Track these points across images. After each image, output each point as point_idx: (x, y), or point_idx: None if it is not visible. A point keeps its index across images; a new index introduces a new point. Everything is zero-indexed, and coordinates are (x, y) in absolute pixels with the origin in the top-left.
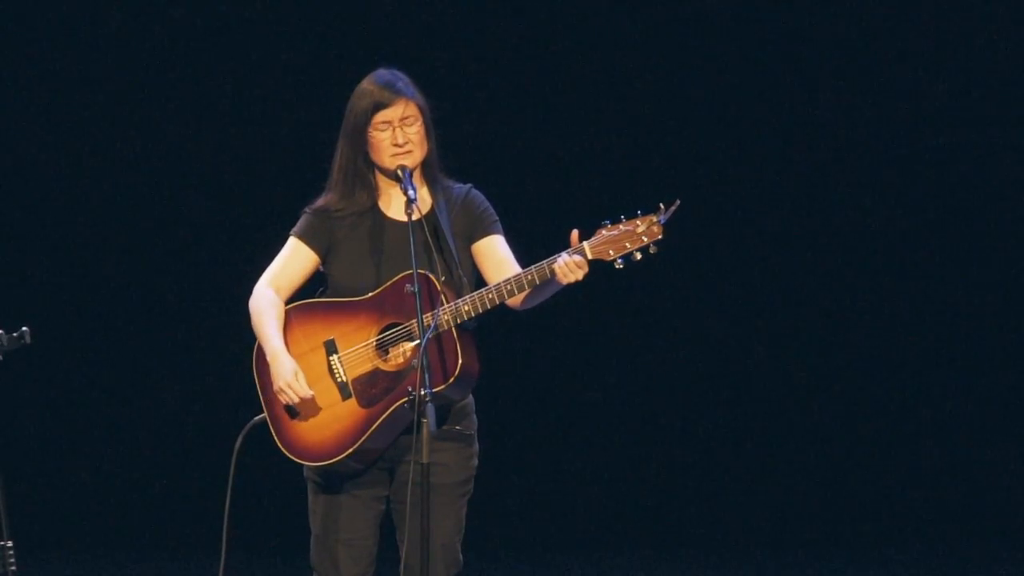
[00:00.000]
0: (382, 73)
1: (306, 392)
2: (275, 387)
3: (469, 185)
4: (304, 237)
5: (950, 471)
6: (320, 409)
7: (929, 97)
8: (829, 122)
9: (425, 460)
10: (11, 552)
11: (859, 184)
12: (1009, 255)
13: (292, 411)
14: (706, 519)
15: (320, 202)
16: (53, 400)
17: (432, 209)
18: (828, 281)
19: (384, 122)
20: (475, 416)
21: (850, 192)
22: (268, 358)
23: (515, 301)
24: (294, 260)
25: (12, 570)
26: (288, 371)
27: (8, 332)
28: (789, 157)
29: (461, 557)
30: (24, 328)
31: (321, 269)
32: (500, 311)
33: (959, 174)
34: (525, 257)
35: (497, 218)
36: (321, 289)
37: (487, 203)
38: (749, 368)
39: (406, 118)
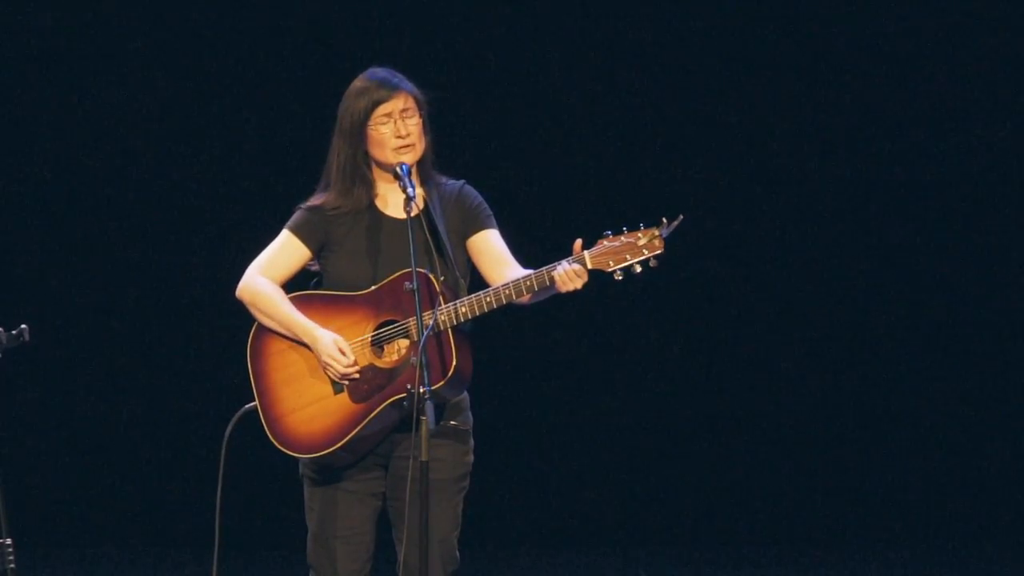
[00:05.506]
0: (377, 71)
1: (351, 360)
2: (320, 361)
3: (462, 181)
4: (298, 232)
5: (949, 471)
6: (311, 402)
7: (924, 100)
8: (830, 132)
9: (424, 458)
10: (11, 550)
11: (855, 188)
12: (1008, 255)
13: (337, 387)
14: (705, 517)
15: (316, 200)
16: (52, 399)
17: (427, 207)
18: (826, 282)
19: (385, 115)
20: (470, 412)
21: (845, 195)
22: (303, 337)
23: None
24: (285, 253)
25: (12, 568)
26: (329, 343)
27: (7, 330)
28: (788, 163)
29: (458, 554)
30: (23, 326)
31: (312, 267)
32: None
33: (955, 176)
34: (524, 259)
35: (491, 213)
36: (315, 280)
37: (480, 198)
38: (748, 367)
39: (406, 110)
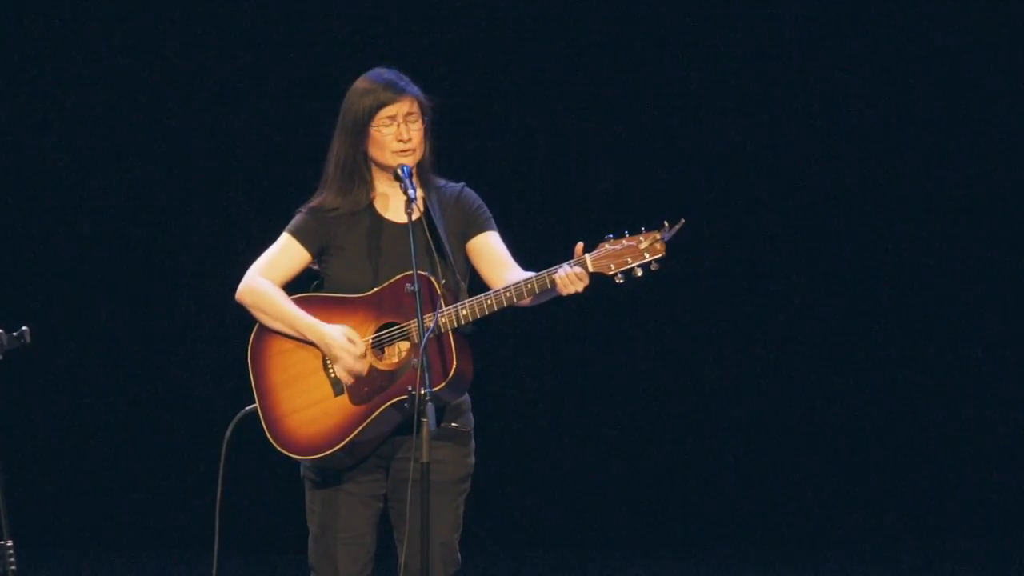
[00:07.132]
0: (382, 72)
1: (363, 349)
2: (331, 354)
3: (462, 184)
4: (298, 235)
5: (949, 471)
6: (311, 403)
7: (923, 102)
8: (831, 135)
9: (425, 459)
10: (11, 551)
11: (855, 191)
12: (1007, 256)
13: (337, 389)
14: (705, 518)
15: (315, 201)
16: (53, 400)
17: (427, 209)
18: (826, 284)
19: (389, 117)
20: (471, 414)
21: (846, 198)
22: (308, 335)
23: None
24: (285, 256)
25: (12, 569)
26: (338, 334)
27: (8, 332)
28: (789, 166)
29: (459, 556)
30: (24, 328)
31: (313, 267)
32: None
33: (953, 176)
34: (525, 261)
35: (491, 215)
36: (315, 283)
37: (480, 201)
38: (748, 369)
39: (410, 114)
